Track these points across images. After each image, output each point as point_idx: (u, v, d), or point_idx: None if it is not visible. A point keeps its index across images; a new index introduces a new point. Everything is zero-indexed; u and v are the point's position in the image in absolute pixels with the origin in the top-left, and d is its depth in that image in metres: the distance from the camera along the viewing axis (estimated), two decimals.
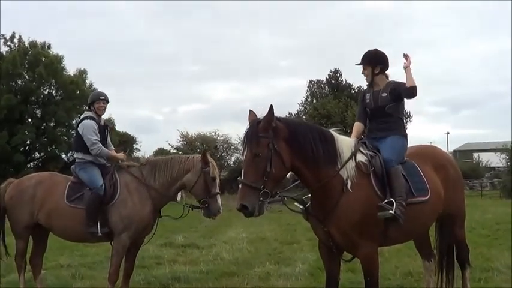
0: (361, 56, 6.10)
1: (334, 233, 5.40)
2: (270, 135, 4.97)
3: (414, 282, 8.18)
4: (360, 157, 5.58)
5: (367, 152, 5.69)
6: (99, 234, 6.93)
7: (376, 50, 6.12)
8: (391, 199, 5.39)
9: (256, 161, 4.92)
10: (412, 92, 5.78)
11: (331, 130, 5.65)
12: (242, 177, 4.96)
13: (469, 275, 6.78)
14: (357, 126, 6.26)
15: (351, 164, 5.45)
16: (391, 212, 5.25)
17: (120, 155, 7.42)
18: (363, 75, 6.15)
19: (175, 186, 7.20)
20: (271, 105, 5.00)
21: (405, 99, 6.01)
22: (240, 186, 5.00)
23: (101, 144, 7.23)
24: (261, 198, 4.90)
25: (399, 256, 10.06)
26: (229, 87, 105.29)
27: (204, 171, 7.09)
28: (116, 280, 7.17)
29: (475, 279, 7.88)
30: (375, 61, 6.06)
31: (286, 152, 5.06)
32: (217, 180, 7.22)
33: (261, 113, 5.11)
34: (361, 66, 6.11)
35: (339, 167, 5.36)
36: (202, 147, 37.74)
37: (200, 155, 7.26)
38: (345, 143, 5.58)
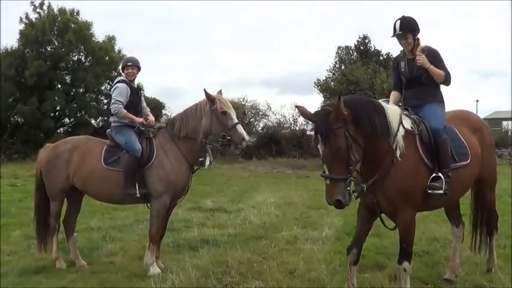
0: (398, 26, 5.82)
1: (382, 202, 5.43)
2: (343, 125, 4.82)
3: (440, 248, 8.21)
4: (406, 124, 5.53)
5: (413, 116, 5.71)
6: (138, 195, 7.03)
7: (409, 17, 5.91)
8: (439, 174, 5.42)
9: (339, 154, 4.80)
10: (447, 83, 5.97)
11: (380, 101, 5.55)
12: (327, 173, 4.85)
13: (495, 241, 6.82)
14: (394, 95, 6.22)
15: (400, 133, 5.38)
16: (441, 191, 5.36)
17: (140, 119, 7.45)
18: (403, 45, 5.93)
19: (199, 137, 7.20)
20: (339, 95, 4.87)
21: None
22: (327, 181, 4.89)
23: (121, 106, 7.29)
24: (348, 188, 4.84)
25: (426, 222, 10.07)
26: (257, 54, 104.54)
27: (212, 110, 7.07)
28: (160, 240, 7.36)
29: (500, 245, 7.88)
30: (415, 28, 5.89)
31: (358, 134, 4.95)
32: (230, 112, 7.05)
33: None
34: (400, 36, 5.88)
35: (392, 138, 5.29)
36: None
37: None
38: (394, 113, 5.44)
